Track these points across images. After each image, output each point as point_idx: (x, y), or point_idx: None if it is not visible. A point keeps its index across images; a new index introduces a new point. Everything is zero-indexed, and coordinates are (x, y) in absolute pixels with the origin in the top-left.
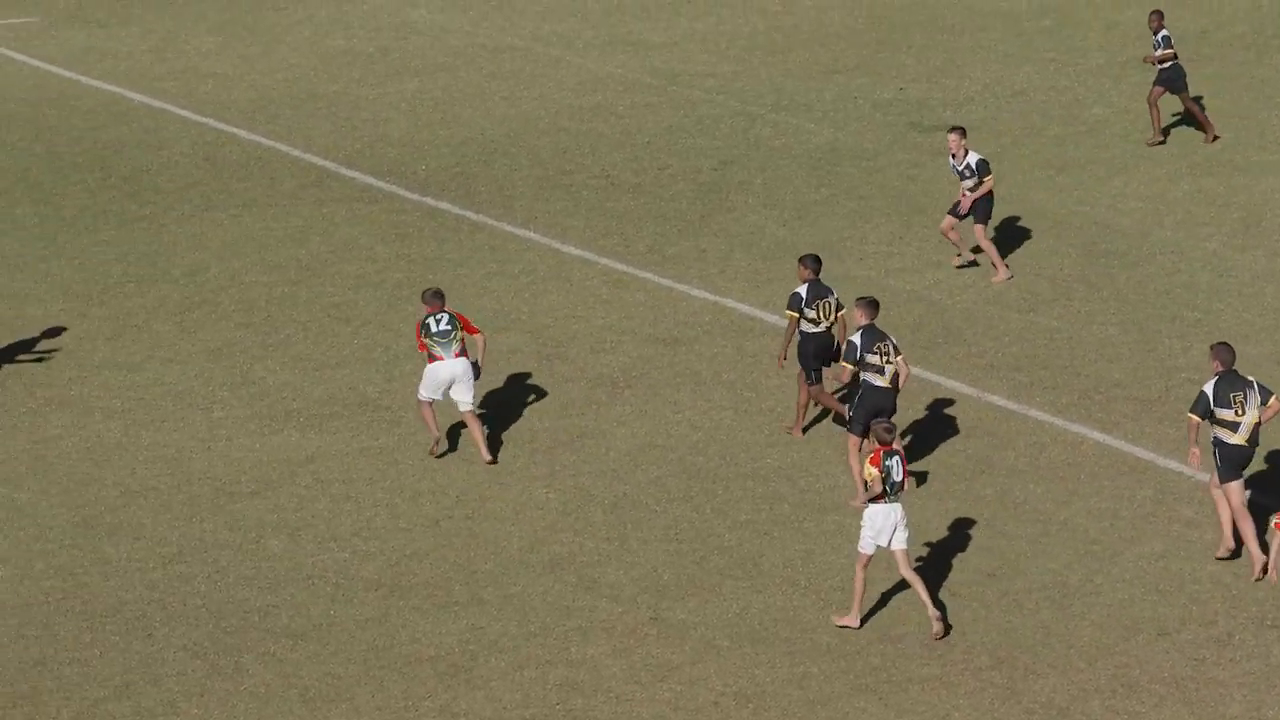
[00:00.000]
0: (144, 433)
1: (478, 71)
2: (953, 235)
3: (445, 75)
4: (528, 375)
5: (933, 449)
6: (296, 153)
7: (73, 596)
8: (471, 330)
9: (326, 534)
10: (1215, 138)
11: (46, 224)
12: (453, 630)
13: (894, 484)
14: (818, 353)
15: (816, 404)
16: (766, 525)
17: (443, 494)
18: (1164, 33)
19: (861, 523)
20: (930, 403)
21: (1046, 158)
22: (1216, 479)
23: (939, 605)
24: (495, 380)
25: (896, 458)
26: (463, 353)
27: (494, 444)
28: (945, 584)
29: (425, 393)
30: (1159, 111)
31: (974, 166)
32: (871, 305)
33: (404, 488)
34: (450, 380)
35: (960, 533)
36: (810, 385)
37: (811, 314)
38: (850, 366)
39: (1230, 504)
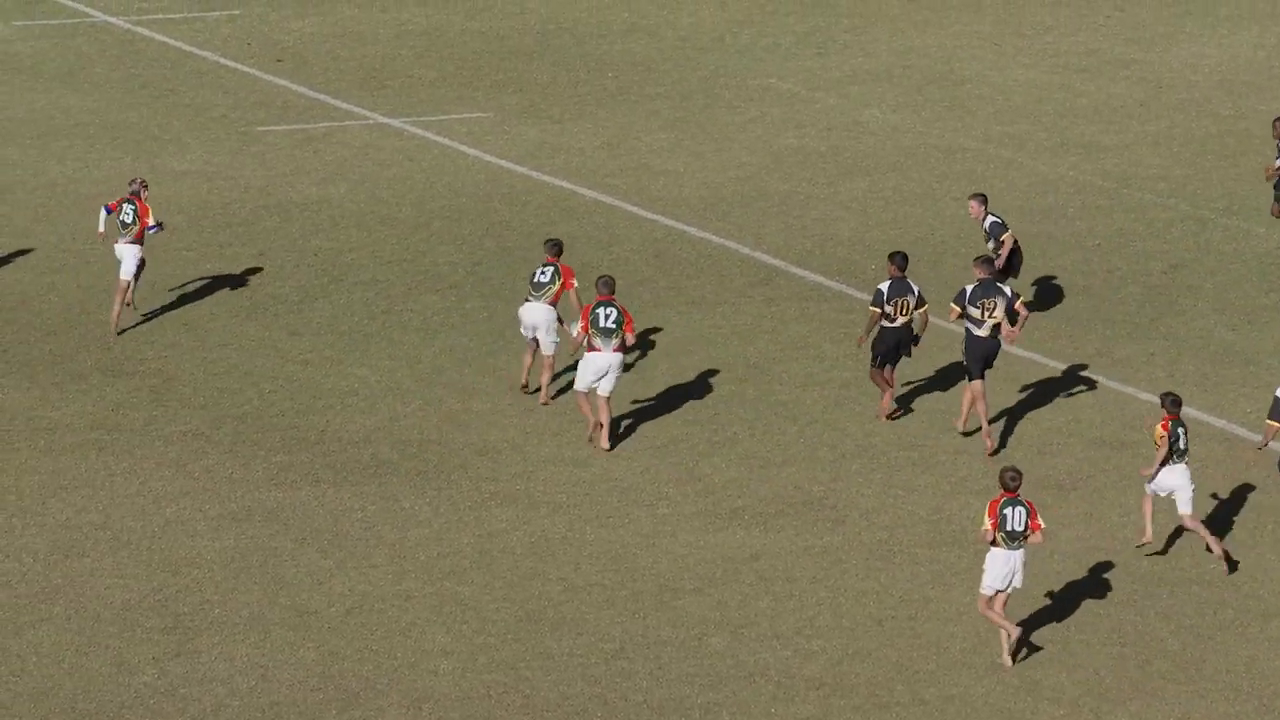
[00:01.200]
0: (589, 528)
1: (929, 172)
2: None
3: (896, 175)
4: (973, 475)
5: None
6: (746, 251)
7: (514, 691)
8: (629, 330)
9: (769, 632)
10: None
11: (495, 319)
12: None
13: (1011, 533)
14: (893, 344)
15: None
16: (1210, 630)
17: (886, 594)
18: None
19: (983, 566)
20: None
21: None
22: None
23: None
24: (939, 481)
25: (1019, 507)
26: (620, 348)
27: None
28: None
29: (581, 384)
30: None
31: (987, 229)
32: (987, 262)
33: (847, 587)
34: (605, 370)
35: None
36: (872, 368)
37: (889, 309)
38: (957, 309)
39: None
